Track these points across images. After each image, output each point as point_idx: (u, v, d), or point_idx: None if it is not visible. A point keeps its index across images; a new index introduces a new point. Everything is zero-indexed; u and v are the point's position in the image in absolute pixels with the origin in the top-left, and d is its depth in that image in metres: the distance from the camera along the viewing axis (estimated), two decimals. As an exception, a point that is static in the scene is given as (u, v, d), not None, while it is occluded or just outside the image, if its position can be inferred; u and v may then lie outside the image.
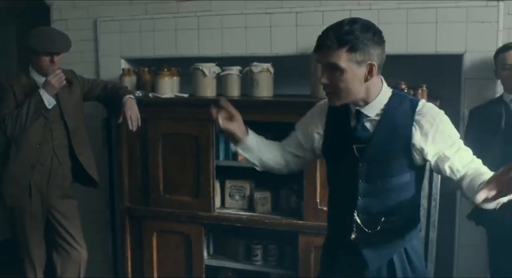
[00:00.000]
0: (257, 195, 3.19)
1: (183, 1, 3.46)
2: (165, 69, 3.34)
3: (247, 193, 3.25)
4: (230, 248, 3.35)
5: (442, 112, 1.79)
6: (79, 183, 3.27)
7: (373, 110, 1.79)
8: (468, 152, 1.78)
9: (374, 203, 1.82)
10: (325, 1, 3.15)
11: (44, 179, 3.07)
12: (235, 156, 3.13)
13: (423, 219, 2.81)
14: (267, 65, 3.13)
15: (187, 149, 3.18)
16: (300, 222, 3.01)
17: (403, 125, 1.76)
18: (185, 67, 3.33)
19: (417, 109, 1.77)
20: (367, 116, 1.79)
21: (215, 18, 3.39)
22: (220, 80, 3.24)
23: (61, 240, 3.19)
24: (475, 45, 2.93)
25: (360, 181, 1.81)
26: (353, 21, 1.68)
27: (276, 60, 3.21)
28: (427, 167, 2.58)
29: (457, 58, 3.01)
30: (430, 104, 1.81)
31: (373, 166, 1.79)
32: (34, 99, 2.89)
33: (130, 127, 3.01)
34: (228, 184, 3.28)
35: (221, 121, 1.84)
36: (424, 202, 2.79)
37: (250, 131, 1.95)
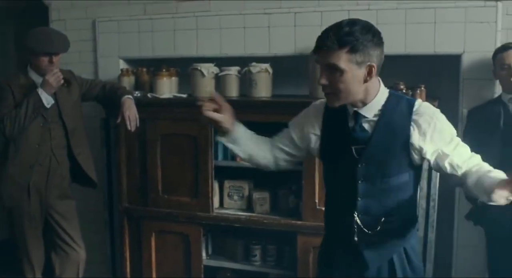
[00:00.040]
0: (256, 195, 3.19)
1: (182, 2, 3.45)
2: (164, 70, 3.34)
3: (246, 193, 3.25)
4: (228, 248, 3.35)
5: (438, 111, 1.81)
6: (77, 183, 3.27)
7: (371, 111, 1.79)
8: (466, 148, 1.81)
9: (374, 204, 1.82)
10: (323, 1, 3.15)
11: (42, 179, 3.06)
12: (233, 156, 3.12)
13: (421, 219, 2.82)
14: (266, 66, 3.13)
15: (186, 149, 3.17)
16: (299, 222, 3.01)
17: (401, 126, 1.77)
18: (184, 68, 3.33)
19: (414, 109, 1.78)
20: (365, 117, 1.80)
21: (213, 19, 3.38)
22: (219, 81, 3.24)
23: (60, 240, 3.19)
24: (474, 45, 2.93)
25: (359, 181, 1.81)
26: (352, 22, 1.68)
27: (274, 61, 3.21)
28: (426, 167, 2.60)
29: (455, 59, 3.01)
30: (426, 104, 1.83)
31: (372, 166, 1.79)
32: (33, 99, 2.89)
33: (129, 127, 3.01)
34: (226, 184, 3.28)
35: (206, 110, 1.80)
36: (422, 202, 2.80)
37: (238, 124, 1.92)
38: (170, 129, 3.20)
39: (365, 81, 1.71)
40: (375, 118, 1.79)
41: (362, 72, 1.69)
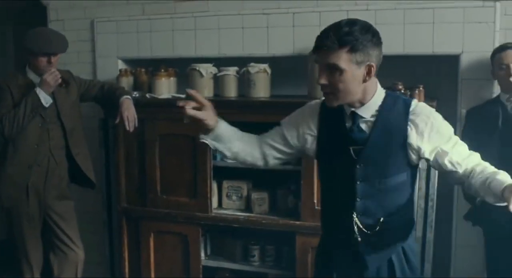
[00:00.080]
0: (254, 195, 3.19)
1: (180, 2, 3.45)
2: (162, 70, 3.34)
3: (244, 193, 3.25)
4: (227, 248, 3.35)
5: (434, 110, 1.82)
6: (76, 183, 3.26)
7: (368, 111, 1.79)
8: (464, 146, 1.82)
9: (373, 204, 1.82)
10: (322, 1, 3.15)
11: (41, 180, 3.06)
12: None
13: (420, 219, 2.82)
14: (264, 66, 3.13)
15: (184, 150, 3.17)
16: (298, 222, 3.01)
17: (398, 126, 1.77)
18: (182, 68, 3.33)
19: (411, 109, 1.78)
20: (362, 117, 1.80)
21: (212, 19, 3.38)
22: (217, 81, 3.24)
23: (58, 241, 3.19)
24: (472, 45, 2.94)
25: (358, 182, 1.81)
26: (352, 22, 1.68)
27: (273, 61, 3.21)
28: (424, 167, 2.60)
29: (454, 59, 3.01)
30: (423, 104, 1.84)
31: (370, 167, 1.79)
32: (31, 98, 2.88)
33: (127, 128, 3.00)
34: (225, 184, 3.28)
35: (188, 109, 1.76)
36: (421, 202, 2.80)
37: (221, 120, 1.88)
38: (168, 129, 3.20)
39: (364, 81, 1.71)
40: (372, 119, 1.79)
41: (361, 72, 1.69)
